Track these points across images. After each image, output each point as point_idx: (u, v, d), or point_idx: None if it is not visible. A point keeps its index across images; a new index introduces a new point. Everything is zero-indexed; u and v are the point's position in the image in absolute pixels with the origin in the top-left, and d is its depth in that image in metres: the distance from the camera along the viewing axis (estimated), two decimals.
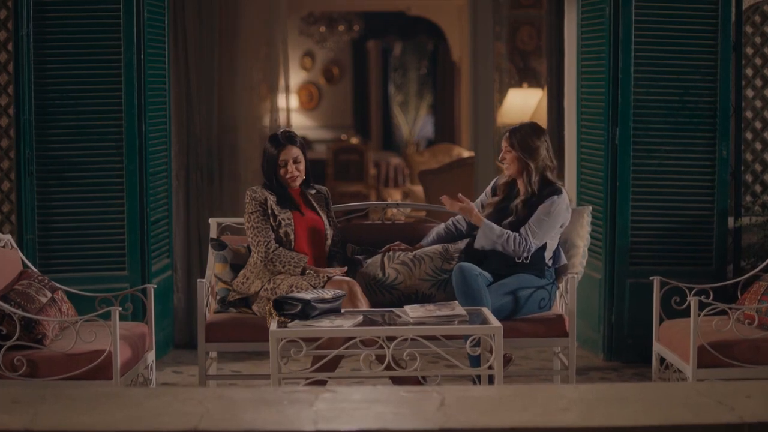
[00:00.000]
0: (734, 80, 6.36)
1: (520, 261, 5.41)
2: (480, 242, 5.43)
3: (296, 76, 16.16)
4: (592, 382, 6.02)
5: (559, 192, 5.45)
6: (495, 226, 5.41)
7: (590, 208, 5.82)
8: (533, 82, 10.44)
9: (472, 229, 5.62)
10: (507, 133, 5.54)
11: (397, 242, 5.69)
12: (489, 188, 5.77)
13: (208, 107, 7.02)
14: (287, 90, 7.40)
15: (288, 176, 5.48)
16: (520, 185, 5.52)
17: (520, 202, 5.48)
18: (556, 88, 7.93)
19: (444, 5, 13.79)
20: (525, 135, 5.48)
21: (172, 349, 6.70)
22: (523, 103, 9.81)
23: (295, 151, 5.48)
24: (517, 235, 5.39)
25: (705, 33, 6.29)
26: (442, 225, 5.75)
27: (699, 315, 4.99)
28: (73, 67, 6.10)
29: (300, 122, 15.57)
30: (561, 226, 5.50)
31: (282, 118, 7.50)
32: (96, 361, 4.73)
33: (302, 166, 5.52)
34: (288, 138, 5.51)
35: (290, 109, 7.70)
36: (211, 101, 7.02)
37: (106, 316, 4.80)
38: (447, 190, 9.64)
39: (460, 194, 5.56)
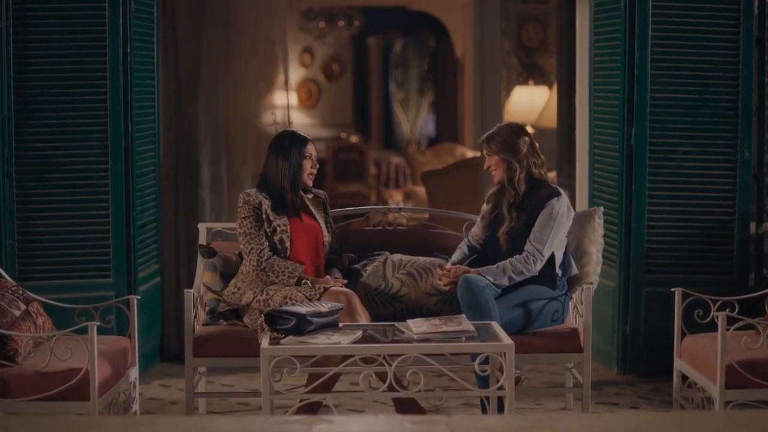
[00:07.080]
0: (757, 77, 6.05)
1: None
2: (499, 283, 5.09)
3: (295, 73, 15.88)
4: (606, 397, 5.67)
5: (557, 194, 5.16)
6: (491, 267, 5.07)
7: (601, 209, 5.46)
8: (539, 79, 10.14)
9: (488, 243, 5.28)
10: (483, 141, 5.26)
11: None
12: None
13: (200, 105, 6.67)
14: (287, 86, 7.07)
15: (310, 173, 5.20)
16: (508, 188, 5.20)
17: (508, 206, 5.17)
18: (566, 86, 7.59)
19: (447, 0, 13.50)
20: (503, 136, 5.21)
21: (160, 362, 6.34)
22: (529, 100, 9.53)
23: (314, 149, 5.24)
24: (518, 256, 5.08)
25: (726, 27, 5.98)
26: (464, 245, 5.37)
27: (727, 331, 4.62)
28: (56, 62, 5.77)
29: (299, 120, 15.27)
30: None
31: (281, 116, 7.15)
32: (71, 380, 4.36)
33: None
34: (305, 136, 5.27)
35: (290, 106, 7.33)
36: (202, 99, 6.67)
37: (86, 330, 4.44)
38: (451, 192, 9.38)
39: (439, 268, 5.18)
